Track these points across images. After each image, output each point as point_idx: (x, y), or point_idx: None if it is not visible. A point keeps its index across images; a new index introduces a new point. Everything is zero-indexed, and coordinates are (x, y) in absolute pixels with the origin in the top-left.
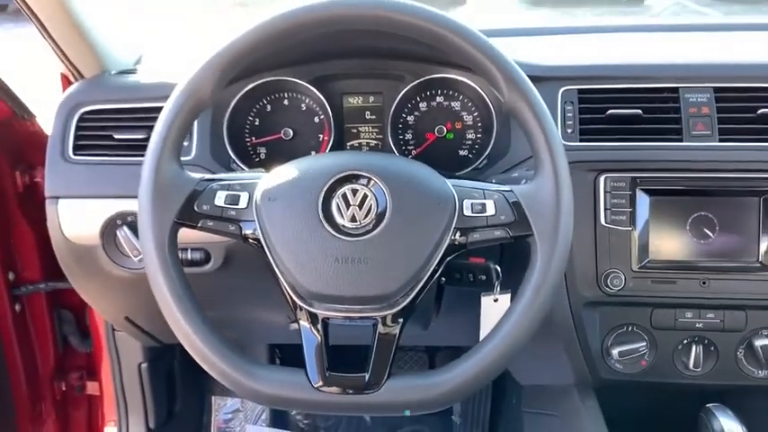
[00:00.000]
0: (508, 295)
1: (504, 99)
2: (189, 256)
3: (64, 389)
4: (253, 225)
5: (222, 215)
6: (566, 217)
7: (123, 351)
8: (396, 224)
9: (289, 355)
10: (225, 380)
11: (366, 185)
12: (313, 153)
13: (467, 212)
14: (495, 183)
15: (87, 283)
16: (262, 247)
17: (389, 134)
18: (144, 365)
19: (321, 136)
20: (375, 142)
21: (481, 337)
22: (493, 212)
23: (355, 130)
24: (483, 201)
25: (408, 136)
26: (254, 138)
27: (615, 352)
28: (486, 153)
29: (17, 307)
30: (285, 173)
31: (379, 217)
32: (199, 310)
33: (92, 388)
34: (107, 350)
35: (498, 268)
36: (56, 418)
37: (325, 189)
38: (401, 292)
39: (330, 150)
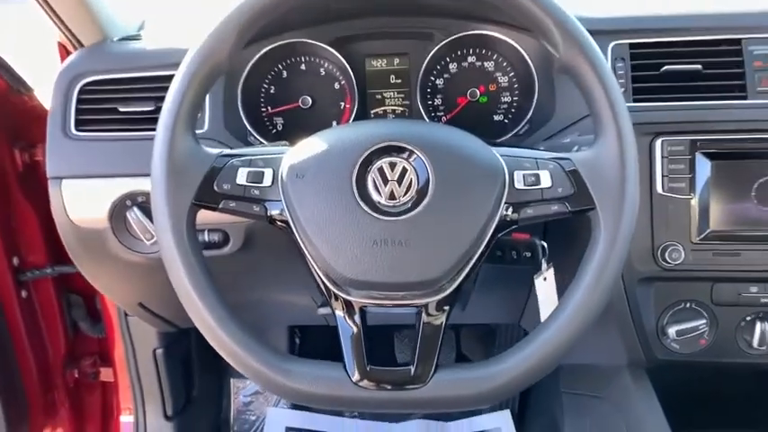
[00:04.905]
0: (552, 269)
1: (559, 55)
2: (206, 238)
3: (77, 376)
4: (279, 205)
5: (245, 195)
6: (632, 187)
7: (137, 337)
8: (439, 201)
9: (309, 337)
10: (255, 378)
11: (406, 158)
12: (334, 123)
13: (518, 185)
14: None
15: (96, 268)
16: (290, 228)
17: (418, 99)
18: (159, 351)
19: (342, 104)
20: (401, 109)
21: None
22: (549, 184)
23: (379, 97)
24: (536, 171)
25: (438, 101)
26: (269, 107)
27: (672, 331)
28: (528, 117)
29: (23, 293)
30: (313, 146)
31: (421, 193)
32: (223, 302)
33: (105, 374)
34: (120, 336)
35: (545, 244)
36: (69, 407)
37: (359, 163)
38: (447, 277)
39: (353, 119)
